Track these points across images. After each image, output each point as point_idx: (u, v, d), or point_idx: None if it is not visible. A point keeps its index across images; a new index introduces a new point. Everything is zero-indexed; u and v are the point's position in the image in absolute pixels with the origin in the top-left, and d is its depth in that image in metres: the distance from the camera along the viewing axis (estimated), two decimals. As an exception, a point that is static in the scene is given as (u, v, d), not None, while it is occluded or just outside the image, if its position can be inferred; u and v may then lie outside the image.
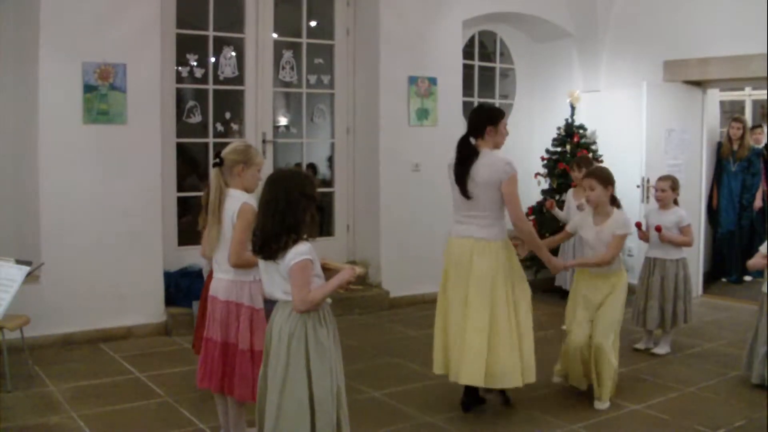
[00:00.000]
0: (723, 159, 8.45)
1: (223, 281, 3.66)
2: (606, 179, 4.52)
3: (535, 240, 4.45)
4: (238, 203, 3.60)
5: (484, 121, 4.33)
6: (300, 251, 2.92)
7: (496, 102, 8.38)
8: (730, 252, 8.34)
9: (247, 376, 3.56)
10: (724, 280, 8.37)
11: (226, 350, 3.64)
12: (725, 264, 8.41)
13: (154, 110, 5.92)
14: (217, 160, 3.70)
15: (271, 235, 2.94)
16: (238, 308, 3.62)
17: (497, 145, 4.38)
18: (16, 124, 5.74)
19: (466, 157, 4.30)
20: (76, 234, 5.60)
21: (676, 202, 5.61)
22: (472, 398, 4.44)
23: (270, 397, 3.00)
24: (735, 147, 8.34)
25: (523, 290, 4.33)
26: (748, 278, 8.12)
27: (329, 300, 3.08)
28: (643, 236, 5.60)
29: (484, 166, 4.23)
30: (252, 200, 3.62)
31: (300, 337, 2.97)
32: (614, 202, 4.60)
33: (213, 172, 3.72)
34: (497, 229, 4.26)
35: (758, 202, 8.23)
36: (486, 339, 4.14)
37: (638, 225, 5.58)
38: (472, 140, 4.32)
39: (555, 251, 6.91)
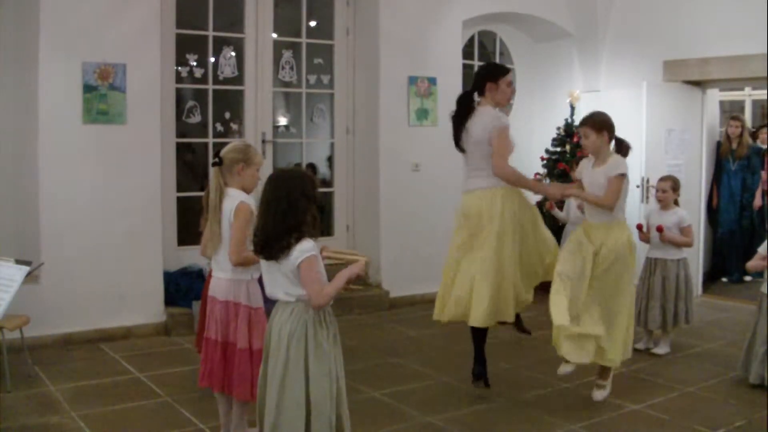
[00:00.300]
0: (722, 158, 8.44)
1: (221, 281, 3.67)
2: (599, 125, 4.30)
3: (525, 181, 4.48)
4: (235, 202, 3.60)
5: (485, 77, 4.38)
6: (304, 248, 2.93)
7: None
8: (730, 252, 8.33)
9: (246, 375, 3.57)
10: (724, 280, 8.36)
11: (226, 349, 3.65)
12: (725, 264, 8.40)
13: (153, 110, 5.91)
14: (217, 159, 3.71)
15: (272, 236, 2.95)
16: (237, 307, 3.63)
17: (498, 103, 4.41)
18: (16, 124, 5.74)
19: (461, 111, 4.34)
20: (76, 234, 5.60)
21: (676, 203, 5.61)
22: (483, 366, 4.51)
23: (269, 396, 3.00)
24: (734, 146, 8.33)
25: (534, 230, 4.39)
26: (748, 278, 8.08)
27: (329, 300, 3.09)
28: (645, 237, 5.60)
29: (477, 124, 4.30)
30: (249, 199, 3.63)
31: (300, 338, 2.97)
32: (621, 148, 4.38)
33: (212, 172, 3.73)
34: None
35: (758, 201, 8.22)
36: (493, 282, 4.21)
37: (639, 227, 5.59)
38: (476, 97, 4.36)
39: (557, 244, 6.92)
